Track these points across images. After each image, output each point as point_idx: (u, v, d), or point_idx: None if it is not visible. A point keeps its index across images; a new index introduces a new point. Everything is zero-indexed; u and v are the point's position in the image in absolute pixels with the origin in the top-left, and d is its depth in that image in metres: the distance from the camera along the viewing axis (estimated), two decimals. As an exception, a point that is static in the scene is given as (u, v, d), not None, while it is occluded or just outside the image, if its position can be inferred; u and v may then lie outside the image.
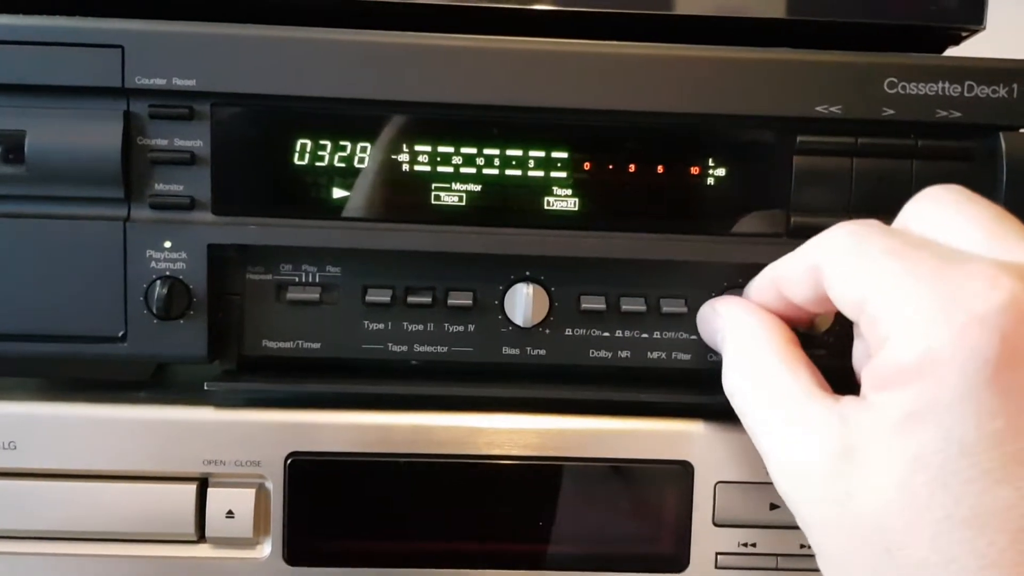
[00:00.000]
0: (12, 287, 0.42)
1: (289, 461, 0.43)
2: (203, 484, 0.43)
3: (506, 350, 0.46)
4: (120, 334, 0.43)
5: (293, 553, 0.43)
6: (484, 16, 0.47)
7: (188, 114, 0.42)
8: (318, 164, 0.43)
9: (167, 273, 0.42)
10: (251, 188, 0.43)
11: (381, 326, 0.45)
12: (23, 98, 0.42)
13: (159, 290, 0.42)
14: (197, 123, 0.42)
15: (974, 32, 0.48)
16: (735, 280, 0.45)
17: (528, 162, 0.44)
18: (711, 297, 0.45)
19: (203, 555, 0.43)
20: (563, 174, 0.44)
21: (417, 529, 0.44)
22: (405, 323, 0.45)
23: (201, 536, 0.43)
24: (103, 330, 0.43)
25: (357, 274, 0.45)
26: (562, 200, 0.44)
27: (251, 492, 0.43)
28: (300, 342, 0.45)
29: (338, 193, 0.44)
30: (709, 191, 0.44)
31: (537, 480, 0.44)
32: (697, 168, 0.44)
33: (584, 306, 0.45)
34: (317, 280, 0.45)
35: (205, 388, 0.43)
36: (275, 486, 0.43)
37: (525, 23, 0.48)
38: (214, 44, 0.42)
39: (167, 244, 0.42)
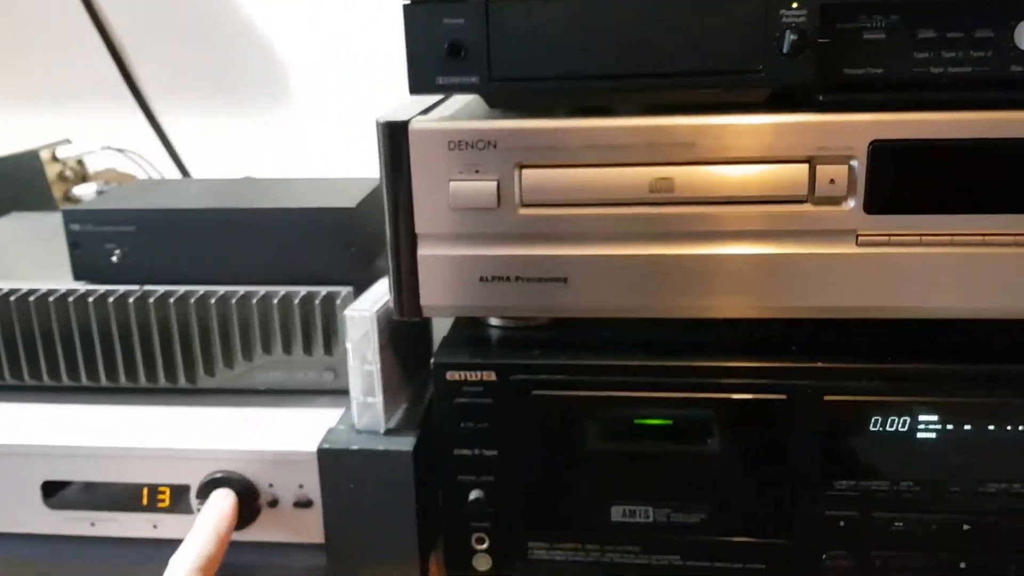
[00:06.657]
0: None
1: (871, 146, 0.66)
2: (812, 163, 0.67)
3: None
4: (760, 68, 0.66)
5: (869, 206, 0.67)
6: None
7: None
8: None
9: (794, 24, 0.65)
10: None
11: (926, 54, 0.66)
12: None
13: (789, 36, 0.64)
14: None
15: None
16: None
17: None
18: None
19: (810, 210, 0.68)
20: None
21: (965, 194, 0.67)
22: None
23: (810, 196, 0.68)
24: (746, 66, 0.66)
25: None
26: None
27: (844, 167, 0.67)
28: (868, 69, 0.67)
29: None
30: None
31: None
32: None
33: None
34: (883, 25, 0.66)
35: (820, 100, 0.66)
36: (859, 164, 0.67)
37: None
38: None
39: (794, 5, 0.64)
